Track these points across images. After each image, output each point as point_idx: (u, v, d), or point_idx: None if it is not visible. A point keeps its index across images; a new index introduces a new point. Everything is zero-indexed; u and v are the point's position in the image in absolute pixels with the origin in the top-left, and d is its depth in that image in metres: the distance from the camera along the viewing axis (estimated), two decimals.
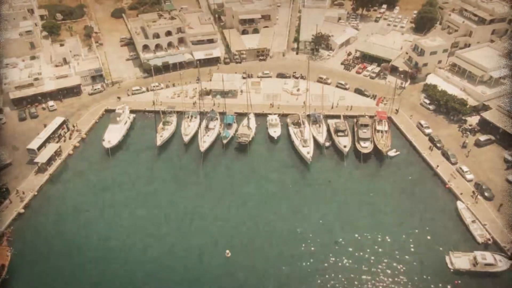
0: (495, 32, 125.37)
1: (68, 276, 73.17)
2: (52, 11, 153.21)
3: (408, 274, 72.64)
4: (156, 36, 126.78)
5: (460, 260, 73.16)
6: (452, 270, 72.37)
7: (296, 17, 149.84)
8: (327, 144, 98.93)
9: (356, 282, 71.74)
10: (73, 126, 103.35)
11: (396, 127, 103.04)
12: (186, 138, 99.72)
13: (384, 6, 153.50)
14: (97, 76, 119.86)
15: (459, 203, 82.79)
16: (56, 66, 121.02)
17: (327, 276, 72.62)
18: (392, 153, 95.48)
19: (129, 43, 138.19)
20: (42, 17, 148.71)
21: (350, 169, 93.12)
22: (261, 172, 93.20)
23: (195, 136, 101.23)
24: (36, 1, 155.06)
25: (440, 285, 70.74)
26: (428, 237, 78.29)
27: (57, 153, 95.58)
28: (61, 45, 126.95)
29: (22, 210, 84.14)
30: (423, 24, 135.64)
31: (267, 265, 74.39)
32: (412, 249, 76.46)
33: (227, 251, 76.12)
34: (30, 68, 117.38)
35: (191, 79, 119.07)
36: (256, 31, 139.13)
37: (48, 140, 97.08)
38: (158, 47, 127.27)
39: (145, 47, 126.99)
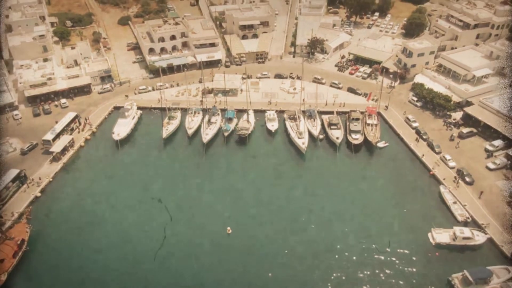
0: (479, 36, 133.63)
1: (79, 249, 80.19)
2: (62, 19, 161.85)
3: (394, 248, 79.31)
4: (161, 40, 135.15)
5: (441, 236, 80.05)
6: (433, 244, 79.20)
7: (293, 24, 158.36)
8: (321, 136, 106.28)
9: (348, 255, 78.43)
10: (85, 120, 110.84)
11: (385, 121, 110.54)
12: (190, 132, 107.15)
13: (377, 14, 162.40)
14: (106, 77, 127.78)
15: (442, 187, 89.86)
16: (68, 67, 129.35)
17: (320, 251, 79.28)
18: (381, 144, 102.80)
19: (135, 48, 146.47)
20: (52, 24, 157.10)
21: (342, 158, 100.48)
22: (260, 160, 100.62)
23: (198, 130, 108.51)
24: (47, 9, 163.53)
25: (422, 256, 77.56)
26: (413, 217, 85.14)
27: (70, 144, 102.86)
28: (72, 48, 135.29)
29: (39, 194, 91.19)
30: (412, 30, 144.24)
31: (265, 242, 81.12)
32: (398, 227, 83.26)
33: (228, 228, 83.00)
34: (43, 69, 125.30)
35: (194, 79, 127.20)
36: (255, 36, 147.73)
37: (61, 132, 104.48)
38: (163, 50, 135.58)
39: (151, 50, 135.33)
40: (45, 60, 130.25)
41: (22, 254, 77.40)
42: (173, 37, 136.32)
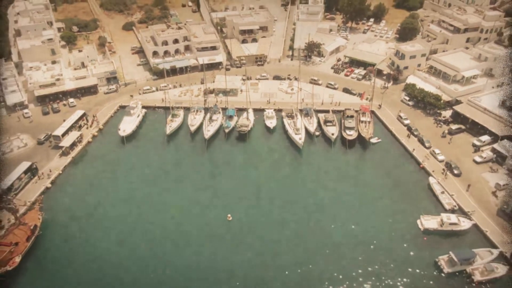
0: (469, 40, 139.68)
1: (86, 235, 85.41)
2: (68, 24, 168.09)
3: (386, 233, 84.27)
4: (165, 43, 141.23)
5: (429, 222, 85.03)
6: (422, 230, 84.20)
7: (291, 29, 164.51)
8: (317, 133, 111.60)
9: (341, 240, 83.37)
10: (93, 117, 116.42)
11: (378, 119, 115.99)
12: (193, 128, 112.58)
13: (372, 19, 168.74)
14: (111, 78, 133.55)
15: (431, 179, 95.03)
16: (75, 69, 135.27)
17: (314, 236, 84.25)
18: (374, 140, 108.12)
19: (139, 51, 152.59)
20: (59, 29, 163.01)
21: (337, 153, 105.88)
22: (259, 154, 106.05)
23: (200, 127, 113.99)
24: (53, 15, 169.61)
25: (411, 241, 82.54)
26: (403, 206, 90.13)
27: (79, 139, 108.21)
28: (80, 51, 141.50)
29: (49, 185, 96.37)
30: (405, 34, 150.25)
31: (262, 227, 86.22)
32: (389, 215, 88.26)
33: (229, 215, 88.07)
34: (52, 70, 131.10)
35: (196, 80, 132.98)
36: (254, 40, 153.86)
37: (70, 129, 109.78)
38: (166, 53, 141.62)
39: (155, 53, 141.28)
40: (53, 62, 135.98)
41: (34, 239, 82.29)
42: (176, 41, 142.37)
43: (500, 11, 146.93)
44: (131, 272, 78.15)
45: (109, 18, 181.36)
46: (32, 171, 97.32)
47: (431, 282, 75.19)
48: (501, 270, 75.37)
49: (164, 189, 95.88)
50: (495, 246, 79.75)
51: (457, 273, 75.84)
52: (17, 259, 77.56)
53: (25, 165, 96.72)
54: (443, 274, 75.96)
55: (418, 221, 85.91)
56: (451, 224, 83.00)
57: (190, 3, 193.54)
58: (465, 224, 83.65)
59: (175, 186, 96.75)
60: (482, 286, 74.07)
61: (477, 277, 74.50)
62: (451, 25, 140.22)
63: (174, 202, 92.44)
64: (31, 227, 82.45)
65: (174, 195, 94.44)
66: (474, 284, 74.26)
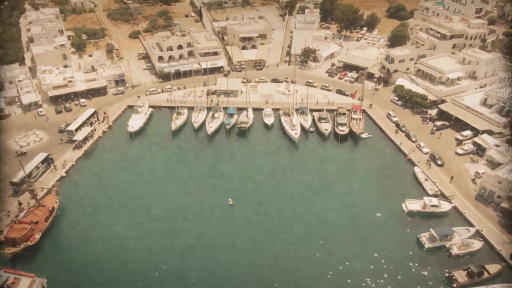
0: (455, 46, 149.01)
1: (98, 215, 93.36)
2: (77, 33, 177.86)
3: (373, 215, 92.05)
4: (170, 49, 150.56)
5: (413, 205, 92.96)
6: (406, 212, 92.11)
7: (289, 37, 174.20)
8: (312, 129, 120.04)
9: (334, 222, 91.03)
10: (104, 113, 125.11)
11: (369, 117, 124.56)
12: (196, 125, 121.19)
13: (365, 28, 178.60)
14: (119, 81, 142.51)
15: (416, 168, 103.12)
16: (86, 72, 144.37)
17: (308, 219, 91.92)
18: (364, 135, 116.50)
19: (145, 57, 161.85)
20: (69, 37, 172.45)
21: (330, 147, 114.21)
22: (258, 148, 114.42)
23: (203, 124, 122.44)
24: (63, 24, 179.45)
25: (396, 222, 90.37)
26: (390, 192, 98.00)
27: (90, 134, 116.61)
28: (90, 56, 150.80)
29: (64, 174, 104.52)
30: (396, 41, 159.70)
31: (260, 211, 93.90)
32: (377, 200, 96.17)
33: (230, 199, 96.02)
34: (64, 73, 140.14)
35: (199, 83, 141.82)
36: (254, 47, 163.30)
37: (82, 125, 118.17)
38: (171, 58, 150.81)
39: (160, 58, 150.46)
40: (65, 66, 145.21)
41: (52, 219, 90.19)
42: (180, 47, 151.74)
43: (484, 19, 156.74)
44: (136, 250, 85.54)
45: (116, 28, 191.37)
46: (48, 162, 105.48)
47: (414, 256, 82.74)
48: (476, 245, 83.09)
49: (170, 178, 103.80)
50: (472, 226, 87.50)
51: (437, 248, 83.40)
52: (37, 236, 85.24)
53: (42, 155, 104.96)
54: (424, 249, 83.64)
55: (403, 205, 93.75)
56: (432, 206, 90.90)
57: (193, 14, 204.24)
58: (445, 206, 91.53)
59: (180, 176, 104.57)
60: (460, 259, 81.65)
61: (455, 251, 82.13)
62: (438, 32, 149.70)
63: (179, 190, 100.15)
64: (49, 209, 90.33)
65: (179, 183, 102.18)
66: (452, 257, 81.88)
